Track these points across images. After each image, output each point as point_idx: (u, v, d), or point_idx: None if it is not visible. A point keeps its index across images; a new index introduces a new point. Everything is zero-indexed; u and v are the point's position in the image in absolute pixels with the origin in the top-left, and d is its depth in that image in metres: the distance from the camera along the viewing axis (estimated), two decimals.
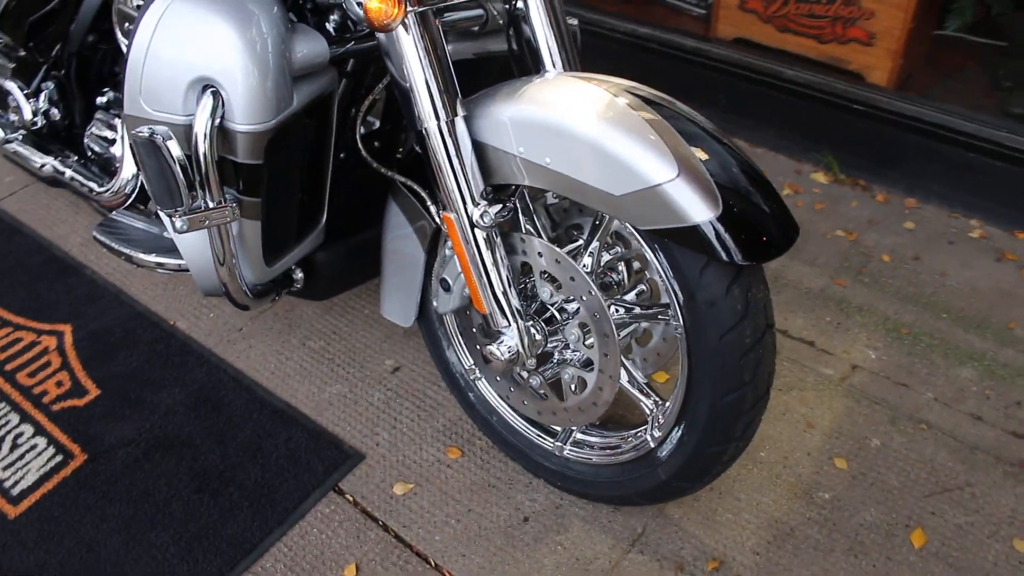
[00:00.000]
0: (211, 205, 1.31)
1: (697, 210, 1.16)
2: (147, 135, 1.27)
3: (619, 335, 1.50)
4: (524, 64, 1.49)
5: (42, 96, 2.02)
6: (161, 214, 1.36)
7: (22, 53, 2.06)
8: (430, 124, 1.30)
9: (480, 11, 1.54)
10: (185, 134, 1.29)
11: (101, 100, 1.92)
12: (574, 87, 1.29)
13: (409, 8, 1.24)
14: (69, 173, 1.98)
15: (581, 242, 1.54)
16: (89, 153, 1.94)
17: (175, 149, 1.28)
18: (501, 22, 1.51)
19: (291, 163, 1.42)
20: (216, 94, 1.27)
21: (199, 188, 1.30)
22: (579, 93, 1.27)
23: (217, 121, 1.28)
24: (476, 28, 1.58)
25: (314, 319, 2.11)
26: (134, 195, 1.78)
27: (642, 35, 2.74)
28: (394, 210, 1.59)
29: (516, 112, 1.29)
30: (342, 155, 1.65)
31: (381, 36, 1.29)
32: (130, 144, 1.32)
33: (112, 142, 1.87)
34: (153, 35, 1.30)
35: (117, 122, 1.85)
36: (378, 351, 2.01)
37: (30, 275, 2.31)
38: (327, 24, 1.43)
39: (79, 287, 2.25)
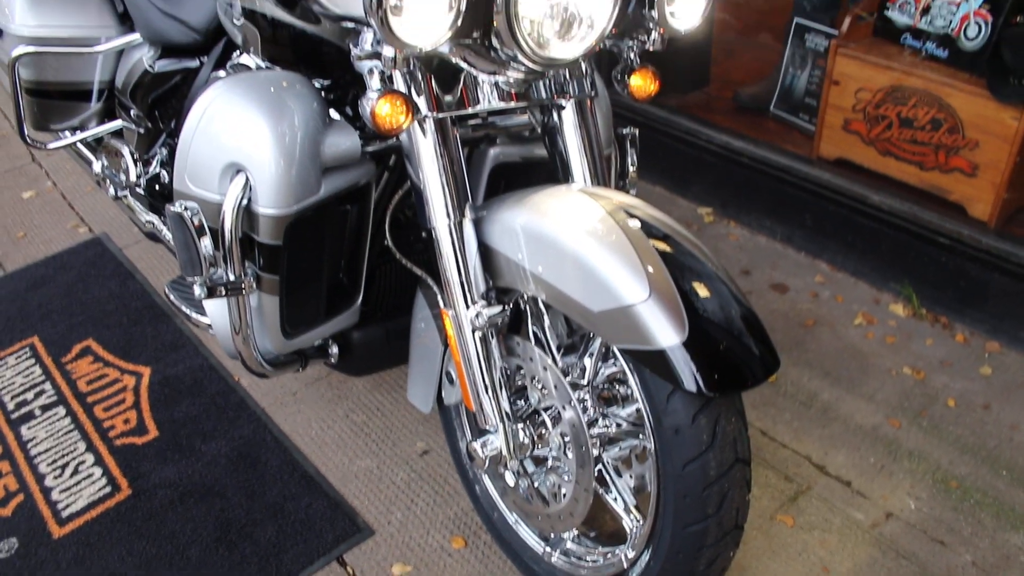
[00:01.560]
0: (230, 278, 1.43)
1: (664, 334, 1.17)
2: (178, 209, 1.40)
3: (607, 449, 1.50)
4: (557, 173, 1.55)
5: (155, 161, 2.25)
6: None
7: (148, 124, 2.30)
8: (438, 224, 1.37)
9: (527, 118, 1.62)
10: (216, 211, 1.42)
11: None
12: (576, 201, 1.33)
13: (427, 114, 1.33)
14: (164, 232, 2.19)
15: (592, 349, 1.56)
16: None
17: (201, 224, 1.41)
18: (539, 131, 1.58)
19: (318, 246, 1.53)
20: (245, 178, 1.39)
21: (222, 261, 1.42)
22: (578, 207, 1.31)
23: (244, 202, 1.40)
24: (526, 133, 1.66)
25: (363, 393, 2.20)
26: None
27: (735, 148, 2.75)
28: (420, 300, 1.66)
29: (520, 220, 1.34)
30: (386, 242, 1.74)
31: (403, 136, 1.38)
32: (165, 215, 1.47)
33: None
34: (201, 119, 1.45)
35: None
36: (413, 432, 2.07)
37: (130, 318, 2.54)
38: None
39: (166, 334, 2.45)
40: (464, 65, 1.33)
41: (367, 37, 1.27)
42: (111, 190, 2.33)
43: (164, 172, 2.25)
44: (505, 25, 1.23)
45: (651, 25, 1.41)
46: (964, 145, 2.43)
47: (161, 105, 2.25)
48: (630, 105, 3.01)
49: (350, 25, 1.35)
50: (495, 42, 1.26)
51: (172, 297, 1.89)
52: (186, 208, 1.43)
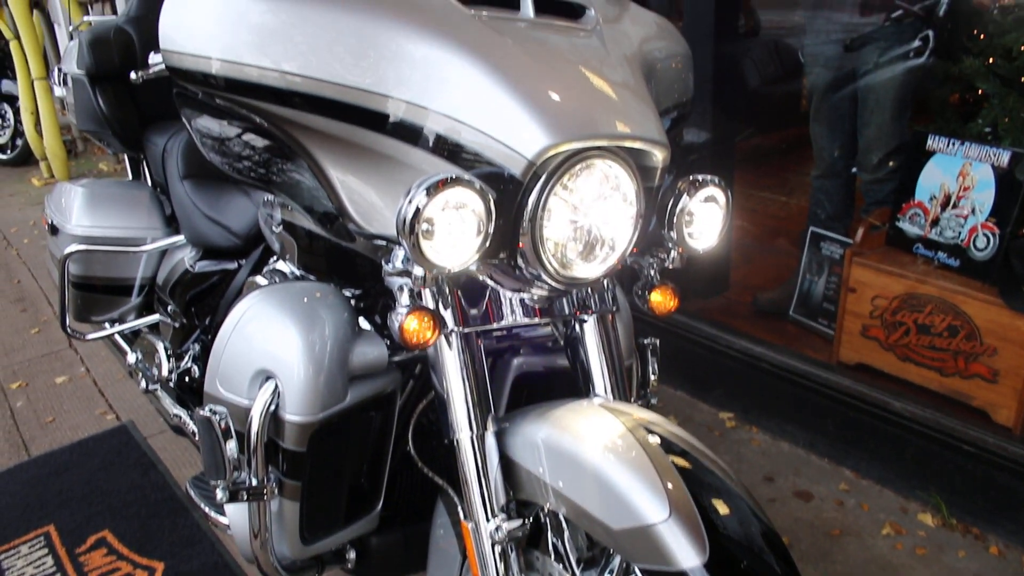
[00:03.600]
0: (253, 482, 1.45)
1: (685, 555, 1.15)
2: (206, 414, 1.44)
3: None
4: (579, 384, 1.57)
5: (187, 356, 2.32)
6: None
7: (183, 319, 2.39)
8: (461, 436, 1.39)
9: (551, 330, 1.67)
10: (244, 416, 1.45)
11: None
12: (597, 417, 1.35)
13: (453, 329, 1.38)
14: (191, 427, 2.22)
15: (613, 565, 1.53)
16: None
17: (228, 428, 1.44)
18: (562, 343, 1.62)
19: (341, 453, 1.54)
20: (275, 385, 1.44)
21: (246, 466, 1.44)
22: (599, 423, 1.33)
23: (272, 408, 1.44)
24: (549, 344, 1.71)
25: None
26: None
27: (755, 354, 2.79)
28: (440, 509, 1.65)
29: (542, 434, 1.35)
30: (408, 448, 1.76)
31: (430, 348, 1.42)
32: (193, 417, 1.51)
33: None
34: (236, 325, 1.51)
35: None
36: None
37: (148, 510, 2.53)
38: None
39: (183, 528, 2.43)
40: (490, 282, 1.40)
41: (398, 255, 1.33)
42: (143, 383, 2.39)
43: (195, 367, 2.32)
44: (530, 246, 1.29)
45: (670, 245, 1.48)
46: (983, 352, 2.45)
47: (198, 303, 2.34)
48: (636, 306, 3.09)
49: (382, 243, 1.43)
50: (520, 262, 1.32)
51: (193, 494, 1.90)
52: (214, 413, 1.47)
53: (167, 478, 2.68)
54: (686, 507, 1.18)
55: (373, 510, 1.67)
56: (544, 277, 1.33)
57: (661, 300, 1.56)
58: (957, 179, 2.56)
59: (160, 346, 2.32)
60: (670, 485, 1.20)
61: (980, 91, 2.65)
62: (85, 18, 2.91)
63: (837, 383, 2.61)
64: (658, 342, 1.81)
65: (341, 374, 1.46)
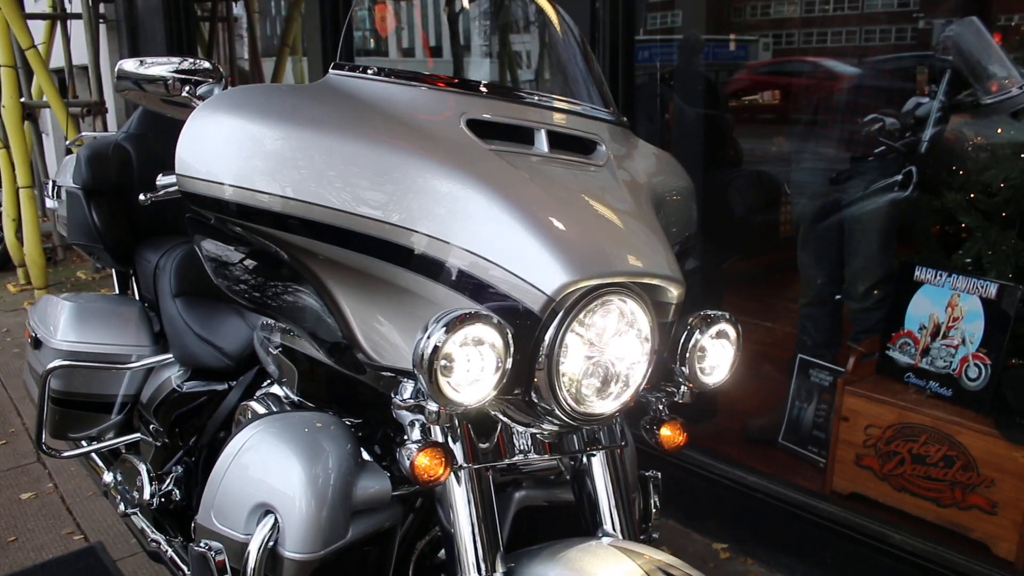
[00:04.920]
0: None
1: None
2: (201, 549, 1.38)
3: None
4: (585, 520, 1.53)
5: (169, 477, 2.23)
6: None
7: (166, 439, 2.32)
8: None
9: (555, 462, 1.63)
10: (239, 551, 1.39)
11: None
12: (612, 559, 1.30)
13: (464, 465, 1.34)
14: (170, 554, 2.12)
15: None
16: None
17: (224, 564, 1.38)
18: (568, 476, 1.59)
19: None
20: (274, 520, 1.38)
21: None
22: (614, 565, 1.28)
23: (270, 544, 1.37)
24: (552, 476, 1.66)
25: None
26: None
27: (749, 484, 2.74)
28: None
29: None
30: None
31: None
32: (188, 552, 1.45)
33: None
34: (235, 456, 1.46)
35: None
36: None
37: None
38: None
39: None
40: (502, 418, 1.37)
41: (407, 387, 1.30)
42: (120, 505, 2.30)
43: (176, 491, 2.23)
44: (546, 382, 1.27)
45: (680, 380, 1.47)
46: (980, 483, 2.43)
47: (183, 423, 2.27)
48: (638, 436, 3.05)
49: (390, 374, 1.40)
50: (535, 397, 1.30)
51: None
52: (209, 548, 1.40)
53: None
54: None
55: None
56: (558, 412, 1.30)
57: (671, 435, 1.53)
58: (946, 310, 2.59)
59: (142, 468, 2.24)
60: None
61: (963, 224, 2.72)
62: (83, 134, 2.93)
63: (833, 514, 2.56)
64: (660, 475, 1.77)
65: (344, 509, 1.40)
